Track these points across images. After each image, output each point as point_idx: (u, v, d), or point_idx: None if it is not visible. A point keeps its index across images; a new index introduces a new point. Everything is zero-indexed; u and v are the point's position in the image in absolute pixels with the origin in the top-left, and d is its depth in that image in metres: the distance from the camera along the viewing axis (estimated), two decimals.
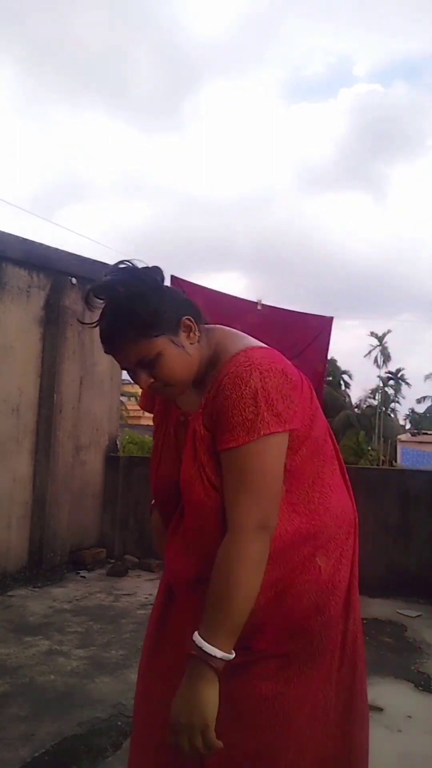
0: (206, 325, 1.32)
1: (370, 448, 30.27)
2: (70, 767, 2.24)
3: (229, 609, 1.10)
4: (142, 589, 4.73)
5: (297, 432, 1.21)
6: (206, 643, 1.07)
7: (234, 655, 1.09)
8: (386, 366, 45.42)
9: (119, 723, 2.56)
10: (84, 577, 5.08)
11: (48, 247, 5.24)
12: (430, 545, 4.78)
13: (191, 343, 1.24)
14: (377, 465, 24.38)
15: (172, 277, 4.60)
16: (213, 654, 1.07)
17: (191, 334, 1.24)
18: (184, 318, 1.23)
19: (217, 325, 1.35)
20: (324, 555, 1.23)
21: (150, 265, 1.26)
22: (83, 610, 4.17)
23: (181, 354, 1.22)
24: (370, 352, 45.28)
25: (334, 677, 1.25)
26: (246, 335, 1.32)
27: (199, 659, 1.07)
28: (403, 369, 47.60)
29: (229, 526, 1.14)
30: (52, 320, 5.15)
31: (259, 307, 5.08)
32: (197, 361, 1.25)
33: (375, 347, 45.01)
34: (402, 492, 4.94)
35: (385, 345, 45.12)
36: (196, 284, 4.75)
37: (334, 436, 1.40)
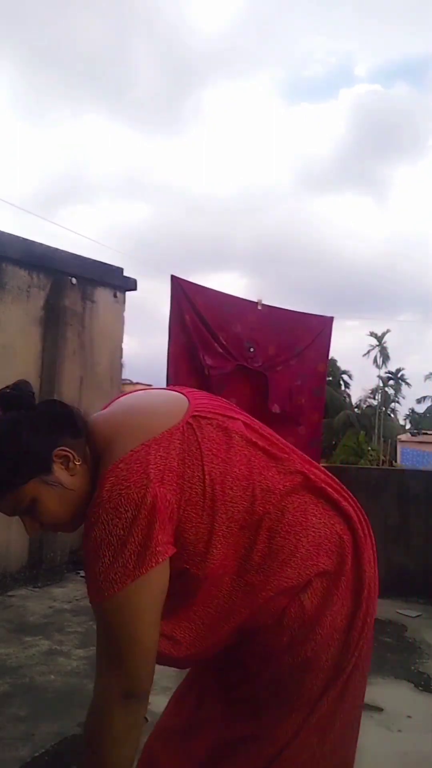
0: (102, 417, 1.17)
1: (370, 448, 30.26)
2: (70, 767, 2.23)
3: None
4: None
5: (190, 546, 1.06)
6: None
7: None
8: (385, 366, 45.45)
9: None
10: (84, 577, 5.08)
11: (48, 247, 5.24)
12: (430, 545, 4.78)
13: (71, 474, 1.09)
14: (377, 465, 24.39)
15: (173, 278, 4.60)
16: None
17: (70, 464, 1.09)
18: (56, 451, 1.08)
19: (113, 413, 1.19)
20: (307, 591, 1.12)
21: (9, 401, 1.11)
22: (83, 610, 4.17)
23: (57, 493, 1.09)
24: (369, 352, 45.30)
25: (310, 728, 1.13)
26: (121, 430, 1.10)
27: None
28: (403, 369, 47.64)
29: (93, 693, 1.04)
30: (52, 320, 5.15)
31: (259, 307, 5.07)
32: (82, 490, 1.10)
33: (374, 347, 45.05)
34: (402, 492, 4.93)
35: (384, 345, 45.15)
36: (196, 284, 4.74)
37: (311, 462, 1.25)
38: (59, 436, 1.10)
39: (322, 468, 1.29)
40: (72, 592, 4.61)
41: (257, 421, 1.29)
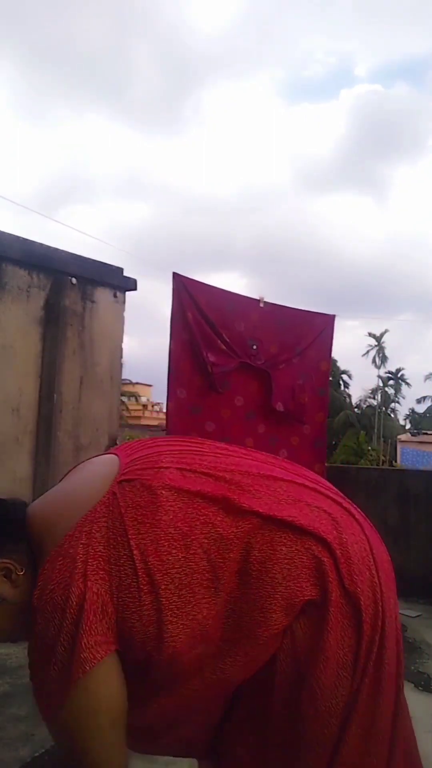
0: (37, 507, 1.14)
1: (370, 448, 30.28)
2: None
3: None
4: None
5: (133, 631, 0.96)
6: None
7: None
8: (384, 366, 45.49)
9: None
10: None
11: (48, 247, 5.24)
12: (429, 545, 4.78)
13: (15, 587, 1.03)
14: (377, 465, 24.39)
15: (174, 275, 4.59)
16: None
17: (12, 576, 1.03)
18: None
19: (46, 500, 1.17)
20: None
21: None
22: None
23: (1, 608, 1.03)
24: (368, 352, 45.34)
25: None
26: (54, 518, 1.05)
27: None
28: (403, 369, 47.70)
29: None
30: (52, 320, 5.15)
31: (261, 305, 5.06)
32: (28, 598, 1.00)
33: (373, 347, 45.08)
34: (402, 492, 4.94)
35: (383, 345, 45.19)
36: (198, 281, 4.73)
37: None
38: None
39: (311, 475, 1.19)
40: None
41: (219, 444, 1.18)
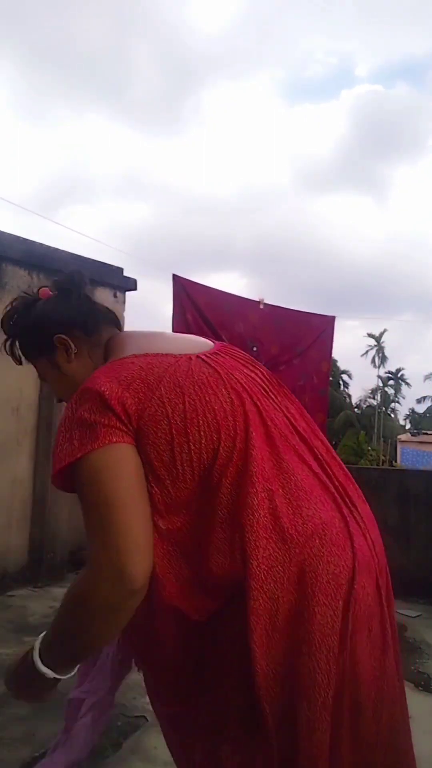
0: (114, 333, 1.26)
1: (370, 448, 30.27)
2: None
3: (69, 647, 1.01)
4: None
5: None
6: (40, 663, 1.00)
7: (71, 673, 1.03)
8: (384, 366, 45.51)
9: (119, 723, 2.56)
10: None
11: (48, 247, 5.24)
12: (429, 545, 4.78)
13: (68, 362, 1.22)
14: (377, 465, 24.39)
15: (174, 277, 4.60)
16: (44, 673, 1.00)
17: (68, 352, 1.22)
18: (56, 337, 1.21)
19: (125, 333, 1.29)
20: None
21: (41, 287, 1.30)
22: None
23: (57, 375, 1.25)
24: (367, 352, 45.35)
25: None
26: (132, 345, 1.17)
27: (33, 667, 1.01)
28: (403, 369, 47.74)
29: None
30: None
31: (261, 306, 5.07)
32: (79, 378, 1.15)
33: (372, 347, 45.10)
34: (402, 492, 4.94)
35: (382, 345, 45.21)
36: (198, 283, 4.74)
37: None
38: (69, 327, 1.22)
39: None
40: None
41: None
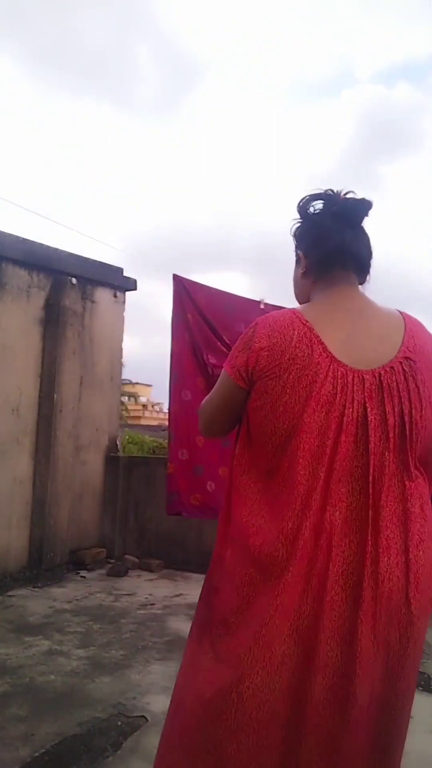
0: (356, 290, 1.41)
1: None
2: (70, 767, 2.23)
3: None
4: (142, 589, 4.73)
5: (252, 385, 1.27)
6: None
7: None
8: None
9: (119, 723, 2.56)
10: (84, 577, 5.08)
11: (48, 247, 5.24)
12: None
13: (300, 271, 1.46)
14: None
15: (175, 276, 4.59)
16: None
17: (300, 264, 1.46)
18: (299, 251, 1.45)
19: (336, 293, 1.39)
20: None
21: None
22: (83, 610, 4.17)
23: (294, 275, 1.52)
24: None
25: None
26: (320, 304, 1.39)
27: None
28: None
29: None
30: (52, 320, 5.15)
31: (262, 306, 5.07)
32: (299, 290, 1.50)
33: None
34: None
35: None
36: (198, 283, 4.73)
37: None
38: (310, 248, 1.40)
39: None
40: (72, 592, 4.61)
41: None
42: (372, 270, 1.42)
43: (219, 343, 4.64)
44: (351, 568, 1.14)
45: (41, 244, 5.17)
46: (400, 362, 1.20)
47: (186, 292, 4.54)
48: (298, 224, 1.42)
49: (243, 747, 1.14)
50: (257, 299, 5.13)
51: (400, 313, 1.33)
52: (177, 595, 4.57)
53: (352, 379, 1.17)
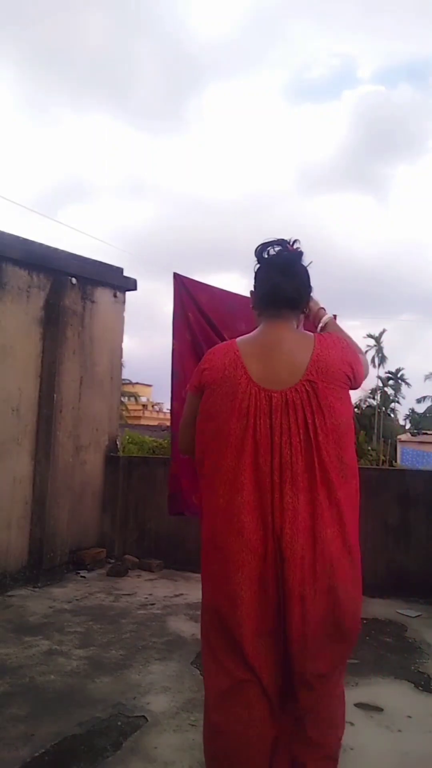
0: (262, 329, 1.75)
1: (370, 448, 30.25)
2: (70, 767, 2.23)
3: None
4: (142, 589, 4.73)
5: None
6: None
7: None
8: (383, 366, 45.54)
9: (119, 723, 2.56)
10: (84, 577, 5.08)
11: (48, 247, 5.24)
12: (430, 545, 4.78)
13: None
14: (377, 465, 24.37)
15: (175, 275, 4.58)
16: None
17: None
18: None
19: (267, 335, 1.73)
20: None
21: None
22: (83, 610, 4.17)
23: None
24: (366, 352, 45.25)
25: None
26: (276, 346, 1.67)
27: None
28: (403, 369, 47.74)
29: None
30: (52, 320, 5.15)
31: None
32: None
33: (372, 347, 45.11)
34: (402, 492, 4.93)
35: (382, 345, 45.23)
36: (198, 282, 4.73)
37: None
38: (255, 288, 1.76)
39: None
40: (72, 592, 4.61)
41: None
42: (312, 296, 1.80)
43: (220, 341, 4.63)
44: (259, 535, 1.53)
45: (41, 244, 5.17)
46: (303, 384, 1.56)
47: (186, 291, 4.53)
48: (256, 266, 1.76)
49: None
50: None
51: (316, 338, 1.65)
52: (177, 595, 4.57)
53: (264, 396, 1.56)
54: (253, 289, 1.74)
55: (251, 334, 1.71)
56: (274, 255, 1.71)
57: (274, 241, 1.74)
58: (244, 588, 1.53)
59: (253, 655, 1.55)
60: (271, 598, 1.54)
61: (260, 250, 1.74)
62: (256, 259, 1.74)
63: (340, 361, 1.61)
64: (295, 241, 1.73)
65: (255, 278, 1.74)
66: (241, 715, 1.55)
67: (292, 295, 1.68)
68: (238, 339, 1.70)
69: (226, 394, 1.58)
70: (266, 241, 1.74)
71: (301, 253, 1.72)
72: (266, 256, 1.72)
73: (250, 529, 1.52)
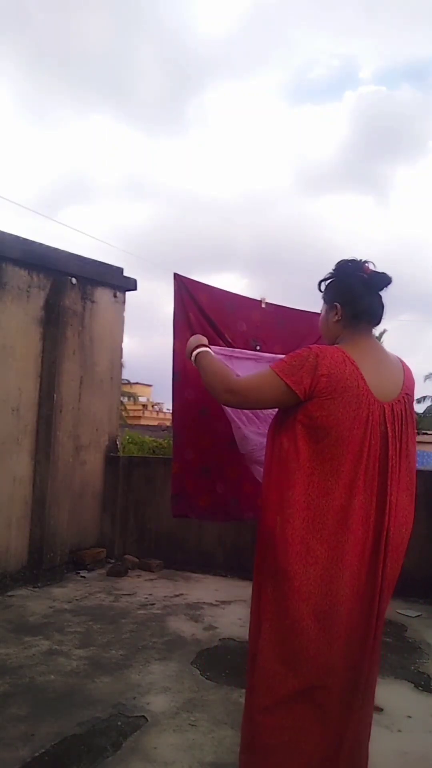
0: (364, 337, 1.84)
1: None
2: (70, 767, 2.23)
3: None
4: (142, 589, 4.73)
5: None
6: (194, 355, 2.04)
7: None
8: None
9: (119, 723, 2.56)
10: (84, 577, 5.08)
11: (48, 247, 5.24)
12: (430, 545, 4.78)
13: (332, 320, 1.89)
14: None
15: (175, 275, 4.58)
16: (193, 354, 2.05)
17: (335, 313, 1.86)
18: (336, 302, 1.85)
19: (366, 342, 1.84)
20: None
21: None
22: (83, 610, 4.17)
23: (324, 318, 1.95)
24: None
25: None
26: (356, 353, 1.79)
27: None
28: None
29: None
30: (52, 320, 5.15)
31: (263, 305, 5.07)
32: (328, 331, 1.93)
33: None
34: None
35: (382, 345, 45.22)
36: (199, 282, 4.73)
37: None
38: (346, 304, 1.83)
39: None
40: (72, 592, 4.61)
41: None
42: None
43: (221, 342, 4.63)
44: (377, 521, 1.75)
45: (41, 244, 5.16)
46: (403, 398, 1.79)
47: (187, 291, 4.53)
48: (333, 279, 1.88)
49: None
50: (258, 298, 5.13)
51: (399, 359, 1.90)
52: (177, 595, 4.57)
53: (377, 407, 1.71)
54: (339, 302, 1.84)
55: (350, 344, 1.79)
56: (378, 274, 1.83)
57: (361, 260, 1.85)
58: (349, 585, 1.69)
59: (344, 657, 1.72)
60: (369, 590, 1.73)
61: (353, 267, 1.85)
62: (343, 273, 1.86)
63: (414, 380, 1.92)
64: (369, 262, 1.86)
65: (340, 293, 1.85)
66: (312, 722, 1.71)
67: (380, 313, 1.86)
68: (342, 347, 1.76)
69: (350, 404, 1.67)
70: (351, 258, 1.87)
71: (391, 279, 1.85)
72: (364, 274, 1.82)
73: (358, 526, 1.70)
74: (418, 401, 48.09)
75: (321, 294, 1.93)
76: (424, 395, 47.55)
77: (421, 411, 49.40)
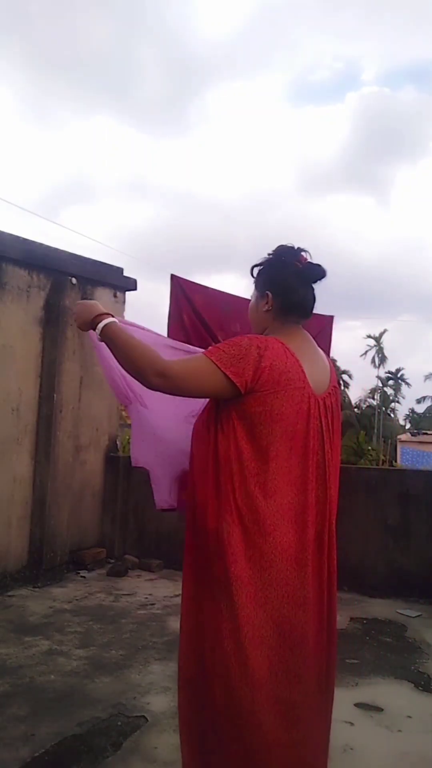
0: (294, 328, 1.73)
1: (370, 448, 30.25)
2: (70, 767, 2.23)
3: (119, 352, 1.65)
4: (142, 589, 4.73)
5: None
6: (100, 329, 1.67)
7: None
8: (383, 366, 45.59)
9: (119, 723, 2.56)
10: (84, 577, 5.08)
11: (48, 247, 5.24)
12: (430, 545, 4.78)
13: (262, 309, 1.76)
14: (377, 465, 24.37)
15: (173, 277, 4.60)
16: (97, 330, 1.68)
17: (265, 302, 1.74)
18: (268, 289, 1.73)
19: (298, 333, 1.73)
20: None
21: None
22: (83, 610, 4.17)
23: (253, 309, 1.83)
24: (366, 353, 45.39)
25: None
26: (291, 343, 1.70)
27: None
28: (403, 369, 47.77)
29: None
30: (52, 320, 5.15)
31: None
32: (257, 323, 1.81)
33: (372, 347, 45.15)
34: (402, 492, 4.93)
35: (382, 345, 45.28)
36: (195, 283, 4.74)
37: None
38: (278, 294, 1.71)
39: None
40: (72, 592, 4.61)
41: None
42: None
43: (213, 343, 4.64)
44: (320, 515, 1.66)
45: (41, 244, 5.17)
46: (332, 389, 1.75)
47: (183, 293, 4.54)
48: (265, 267, 1.77)
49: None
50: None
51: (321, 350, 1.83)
52: (177, 595, 4.57)
53: (314, 400, 1.65)
54: (271, 291, 1.71)
55: (284, 334, 1.68)
56: (313, 266, 1.72)
57: (298, 248, 1.73)
58: (311, 585, 1.62)
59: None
60: (319, 588, 1.65)
61: (289, 255, 1.72)
62: (278, 261, 1.73)
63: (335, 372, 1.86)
64: (305, 251, 1.74)
65: (272, 282, 1.73)
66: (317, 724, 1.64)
67: (312, 306, 1.76)
68: (279, 338, 1.64)
69: (293, 398, 1.59)
70: (289, 245, 1.74)
71: (325, 272, 1.74)
72: (300, 264, 1.70)
73: (313, 523, 1.63)
74: (418, 401, 48.30)
75: (253, 280, 1.80)
76: (424, 395, 47.73)
77: (421, 411, 49.44)
